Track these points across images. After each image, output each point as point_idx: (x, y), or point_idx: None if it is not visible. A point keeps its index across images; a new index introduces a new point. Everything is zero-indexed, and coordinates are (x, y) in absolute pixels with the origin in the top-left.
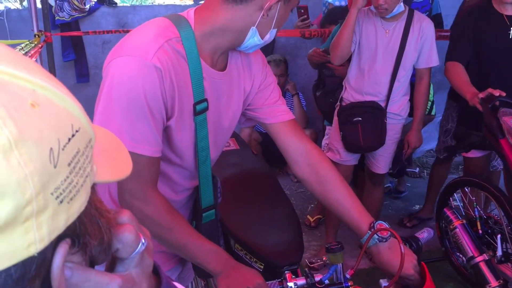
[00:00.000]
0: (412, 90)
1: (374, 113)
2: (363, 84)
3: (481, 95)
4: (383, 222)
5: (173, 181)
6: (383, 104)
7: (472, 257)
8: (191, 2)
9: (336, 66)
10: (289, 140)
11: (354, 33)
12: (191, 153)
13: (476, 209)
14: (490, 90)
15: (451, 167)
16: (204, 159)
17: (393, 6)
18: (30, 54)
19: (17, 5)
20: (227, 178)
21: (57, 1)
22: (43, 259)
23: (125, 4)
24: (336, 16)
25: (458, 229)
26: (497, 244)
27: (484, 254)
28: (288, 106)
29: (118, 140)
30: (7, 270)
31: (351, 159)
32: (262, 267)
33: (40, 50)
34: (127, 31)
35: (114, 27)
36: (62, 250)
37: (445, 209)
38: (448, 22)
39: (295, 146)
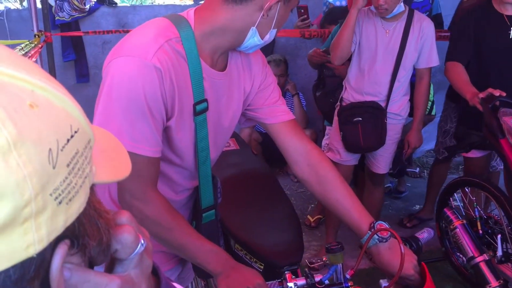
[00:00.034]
0: (412, 90)
1: (374, 113)
2: (363, 84)
3: (481, 95)
4: (383, 222)
5: (173, 181)
6: (383, 104)
7: (472, 257)
8: (191, 2)
9: (336, 65)
10: (289, 140)
11: (354, 33)
12: (191, 153)
13: (476, 209)
14: (490, 90)
15: (451, 167)
16: (204, 159)
17: (393, 6)
18: (30, 54)
19: (17, 5)
20: (227, 178)
21: (57, 1)
22: (42, 260)
23: (125, 4)
24: (336, 16)
25: (458, 229)
26: (497, 244)
27: (484, 254)
28: (288, 106)
29: (117, 141)
30: (6, 271)
31: (351, 159)
32: (262, 267)
33: (40, 50)
34: (127, 31)
35: (114, 27)
36: (61, 251)
37: (445, 209)
38: (448, 22)
39: (295, 146)
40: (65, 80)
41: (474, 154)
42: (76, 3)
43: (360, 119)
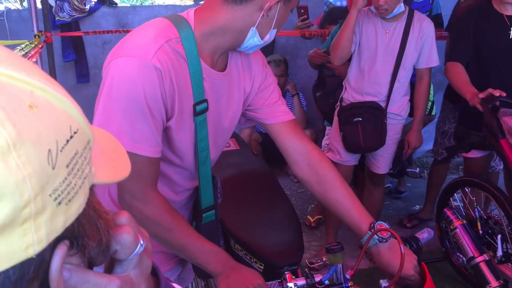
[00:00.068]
0: (412, 90)
1: (374, 113)
2: (363, 84)
3: (481, 95)
4: (383, 223)
5: (173, 182)
6: (383, 105)
7: (473, 258)
8: (191, 3)
9: (336, 66)
10: (289, 140)
11: (354, 34)
12: (191, 154)
13: (476, 209)
14: (490, 90)
15: (451, 167)
16: (204, 160)
17: (393, 6)
18: (30, 55)
19: (17, 6)
20: (227, 178)
21: (57, 2)
22: (42, 260)
23: (125, 5)
24: (336, 16)
25: (458, 229)
26: (497, 245)
27: (485, 255)
28: (288, 106)
29: (116, 141)
30: (6, 272)
31: (351, 160)
32: (262, 267)
33: (40, 50)
34: (127, 32)
35: (114, 28)
36: (60, 252)
37: (445, 209)
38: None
39: (295, 146)
40: (65, 80)
41: (474, 154)
42: (76, 3)
43: (360, 119)
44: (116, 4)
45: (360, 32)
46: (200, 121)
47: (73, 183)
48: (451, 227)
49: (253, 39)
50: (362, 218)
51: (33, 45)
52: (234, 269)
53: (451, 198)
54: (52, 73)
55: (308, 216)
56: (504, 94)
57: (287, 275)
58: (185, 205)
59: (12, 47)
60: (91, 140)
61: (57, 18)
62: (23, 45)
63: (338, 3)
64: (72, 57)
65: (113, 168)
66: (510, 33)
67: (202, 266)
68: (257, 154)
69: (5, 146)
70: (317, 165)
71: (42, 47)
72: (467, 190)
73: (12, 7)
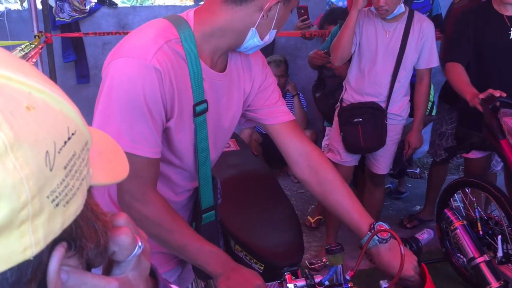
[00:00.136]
0: (412, 90)
1: (374, 114)
2: (364, 85)
3: (481, 96)
4: (383, 223)
5: (173, 182)
6: (383, 105)
7: (473, 258)
8: (192, 3)
9: (337, 66)
10: (289, 141)
11: (355, 34)
12: (191, 154)
13: (476, 210)
14: (490, 90)
15: (451, 168)
16: (204, 160)
17: (393, 7)
18: (30, 55)
19: (17, 6)
20: (227, 179)
21: (58, 2)
22: (39, 262)
23: (125, 5)
24: (336, 16)
25: (458, 230)
26: (497, 245)
27: (485, 255)
28: (288, 106)
29: (114, 143)
30: (3, 273)
31: (351, 160)
32: (262, 268)
33: (40, 51)
34: (127, 32)
35: (114, 28)
36: (58, 254)
37: (445, 210)
38: None
39: (295, 147)
40: (65, 81)
41: (474, 154)
42: (76, 4)
43: (360, 119)
44: (116, 4)
45: (360, 32)
46: (200, 122)
47: (71, 185)
48: (452, 227)
49: (253, 40)
50: (362, 219)
51: (33, 46)
52: (234, 270)
53: (451, 199)
54: (52, 73)
55: (308, 217)
56: (504, 95)
57: (287, 276)
58: (185, 205)
59: (12, 47)
60: (89, 142)
61: (57, 19)
62: (23, 46)
63: (340, 3)
64: (72, 58)
65: (111, 169)
66: (510, 33)
67: (202, 267)
68: (257, 154)
69: (2, 148)
70: (317, 166)
71: (42, 47)
72: (467, 190)
73: (12, 8)
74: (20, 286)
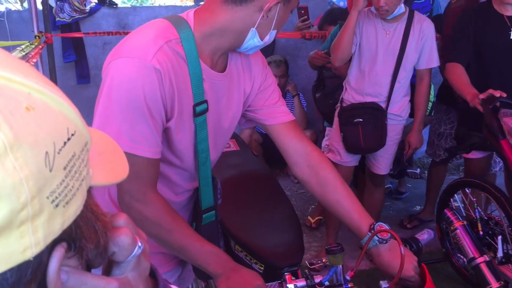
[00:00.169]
0: (412, 91)
1: (374, 114)
2: (364, 85)
3: (481, 96)
4: (383, 224)
5: (173, 183)
6: (383, 105)
7: (473, 258)
8: (192, 3)
9: (337, 66)
10: (289, 141)
11: (355, 35)
12: (191, 155)
13: (476, 210)
14: (490, 91)
15: (451, 168)
16: (204, 161)
17: (394, 7)
18: (30, 55)
19: (17, 6)
20: (227, 179)
21: (58, 2)
22: (39, 263)
23: (125, 5)
24: (335, 16)
25: (458, 230)
26: (497, 245)
27: (485, 255)
28: (288, 107)
29: (114, 143)
30: (3, 274)
31: (351, 160)
32: (262, 268)
33: (40, 51)
34: (128, 32)
35: (114, 28)
36: (58, 254)
37: (445, 210)
38: None
39: (295, 147)
40: (66, 81)
41: (474, 155)
42: (76, 4)
43: (361, 120)
44: (116, 4)
45: (361, 33)
46: (200, 122)
47: (71, 185)
48: (452, 228)
49: (253, 40)
50: (362, 219)
51: (33, 46)
52: (234, 270)
53: (451, 199)
54: (53, 74)
55: (309, 217)
56: (505, 95)
57: (287, 276)
58: (185, 206)
59: (12, 48)
60: (89, 142)
61: (57, 19)
62: (23, 46)
63: (341, 3)
64: (72, 58)
65: (111, 170)
66: (510, 33)
67: (202, 267)
68: (257, 155)
69: (2, 148)
70: (317, 166)
71: (42, 48)
72: (467, 191)
73: (13, 8)
74: (20, 286)
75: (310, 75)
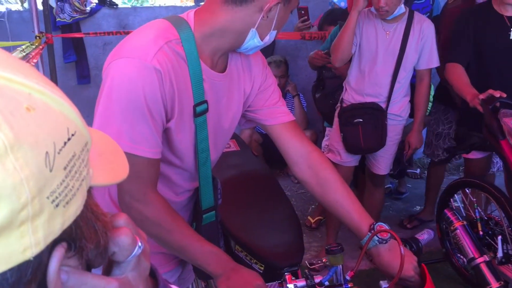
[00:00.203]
0: (412, 91)
1: (374, 114)
2: (364, 85)
3: (481, 96)
4: (383, 224)
5: (173, 183)
6: (383, 105)
7: (473, 258)
8: (192, 4)
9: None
10: (289, 141)
11: (355, 35)
12: (191, 155)
13: (476, 210)
14: (490, 91)
15: (452, 168)
16: (204, 161)
17: (394, 8)
18: (31, 56)
19: (18, 7)
20: (228, 179)
21: (58, 3)
22: (39, 263)
23: (126, 6)
24: (335, 17)
25: (458, 230)
26: (497, 246)
27: (485, 256)
28: (288, 107)
29: (114, 143)
30: (3, 274)
31: (351, 160)
32: (262, 268)
33: (41, 51)
34: (128, 33)
35: (115, 29)
36: (58, 254)
37: (445, 210)
38: None
39: (295, 147)
40: (66, 81)
41: (474, 155)
42: (77, 4)
43: (361, 120)
44: (116, 5)
45: (361, 33)
46: (200, 122)
47: (71, 185)
48: (452, 228)
49: (253, 40)
50: (362, 219)
51: (34, 46)
52: (234, 270)
53: (451, 199)
54: (53, 74)
55: (309, 217)
56: (505, 95)
57: (287, 276)
58: (185, 206)
59: (13, 48)
60: (89, 142)
61: (57, 19)
62: (24, 46)
63: (342, 4)
64: (73, 58)
65: (111, 170)
66: (510, 33)
67: (202, 267)
68: (257, 155)
69: (2, 149)
70: (317, 166)
71: (43, 48)
72: (467, 191)
73: (13, 8)
74: (20, 286)
75: (310, 75)
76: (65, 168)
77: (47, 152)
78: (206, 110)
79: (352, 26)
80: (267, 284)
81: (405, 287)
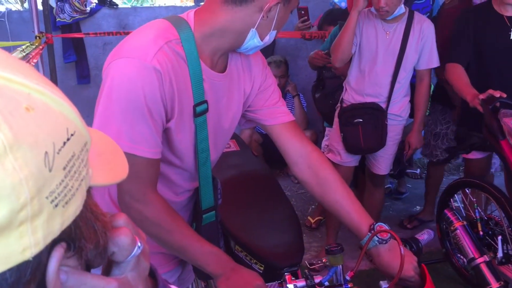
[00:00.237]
0: (412, 91)
1: (374, 114)
2: (364, 85)
3: (481, 96)
4: (383, 224)
5: (173, 183)
6: (383, 105)
7: (473, 259)
8: (192, 4)
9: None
10: (289, 141)
11: (355, 35)
12: (191, 155)
13: (476, 210)
14: (490, 91)
15: (451, 168)
16: (204, 161)
17: (394, 8)
18: (31, 56)
19: (18, 7)
20: (228, 179)
21: (58, 3)
22: (38, 263)
23: (126, 6)
24: (334, 17)
25: (458, 231)
26: (497, 246)
27: (485, 256)
28: (288, 107)
29: (114, 143)
30: (2, 274)
31: (351, 161)
32: (262, 268)
33: (41, 51)
34: (128, 33)
35: (115, 29)
36: (57, 254)
37: (445, 211)
38: None
39: (295, 147)
40: (66, 81)
41: (474, 155)
42: (77, 4)
43: (361, 120)
44: (117, 5)
45: (361, 33)
46: (200, 122)
47: (70, 186)
48: (452, 228)
49: (253, 40)
50: (362, 220)
51: (34, 46)
52: (234, 270)
53: (451, 199)
54: (53, 74)
55: (309, 217)
56: (505, 95)
57: (287, 276)
58: (185, 206)
59: (13, 48)
60: (88, 142)
61: (57, 19)
62: (24, 46)
63: (343, 4)
64: (72, 58)
65: (111, 170)
66: (510, 34)
67: (202, 267)
68: (257, 155)
69: (1, 149)
70: (317, 167)
71: (43, 48)
72: (467, 191)
73: (13, 8)
74: (19, 286)
75: (310, 75)
76: (64, 168)
77: (46, 152)
78: (206, 110)
79: (352, 26)
80: (267, 284)
81: (405, 287)
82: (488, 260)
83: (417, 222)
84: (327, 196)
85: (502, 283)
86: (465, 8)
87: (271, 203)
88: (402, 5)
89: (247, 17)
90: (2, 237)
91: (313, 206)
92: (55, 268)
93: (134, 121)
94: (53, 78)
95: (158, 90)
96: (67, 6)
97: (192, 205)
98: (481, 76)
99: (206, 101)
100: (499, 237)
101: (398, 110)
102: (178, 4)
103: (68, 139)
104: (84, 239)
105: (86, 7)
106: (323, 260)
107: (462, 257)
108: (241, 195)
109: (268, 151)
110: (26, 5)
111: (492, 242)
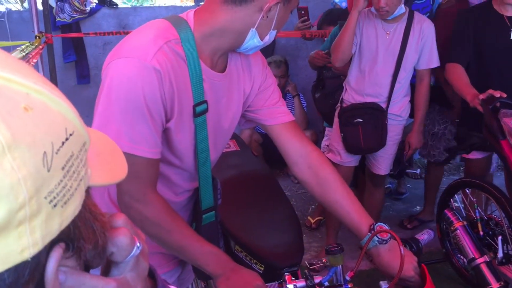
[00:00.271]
0: (412, 91)
1: (374, 114)
2: (364, 85)
3: (481, 96)
4: (383, 224)
5: (173, 183)
6: (384, 105)
7: (473, 259)
8: (192, 3)
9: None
10: (289, 141)
11: (355, 35)
12: (191, 155)
13: (477, 210)
14: (490, 91)
15: (452, 169)
16: (204, 161)
17: (394, 8)
18: (31, 56)
19: (18, 7)
20: (227, 179)
21: (58, 3)
22: (37, 263)
23: (125, 6)
24: (334, 17)
25: (459, 231)
26: (498, 246)
27: (485, 256)
28: (288, 107)
29: (113, 143)
30: (1, 274)
31: (351, 161)
32: (262, 268)
33: (41, 51)
34: (128, 33)
35: (114, 29)
36: (56, 255)
37: (445, 211)
38: None
39: (295, 147)
40: (66, 81)
41: (474, 155)
42: (77, 4)
43: (361, 120)
44: (116, 5)
45: (361, 33)
46: (200, 122)
47: (69, 186)
48: (452, 228)
49: (252, 40)
50: (362, 220)
51: (33, 46)
52: (233, 270)
53: (451, 199)
54: (53, 74)
55: (309, 217)
56: (505, 95)
57: (286, 277)
58: (185, 206)
59: (13, 48)
60: (87, 142)
61: (57, 19)
62: (23, 46)
63: (344, 4)
64: (72, 58)
65: (109, 170)
66: (510, 33)
67: (201, 267)
68: (257, 155)
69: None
70: (317, 167)
71: (42, 48)
72: (467, 191)
73: (13, 8)
74: (17, 287)
75: (310, 75)
76: (63, 168)
77: (45, 152)
78: (205, 110)
79: (352, 26)
80: (266, 284)
81: (405, 287)
82: (488, 260)
83: (417, 222)
84: (327, 196)
85: (502, 283)
86: (462, 8)
87: (271, 203)
88: (402, 5)
89: (247, 17)
90: (1, 237)
91: (313, 206)
92: (53, 269)
93: (133, 121)
94: (53, 78)
95: (157, 90)
96: (67, 6)
97: (192, 205)
98: (481, 76)
99: (205, 101)
100: (499, 237)
101: (398, 110)
102: (178, 4)
103: (66, 139)
104: (83, 239)
105: (86, 7)
106: (323, 260)
107: (462, 257)
108: (241, 195)
109: (268, 151)
110: (26, 5)
111: (492, 242)
